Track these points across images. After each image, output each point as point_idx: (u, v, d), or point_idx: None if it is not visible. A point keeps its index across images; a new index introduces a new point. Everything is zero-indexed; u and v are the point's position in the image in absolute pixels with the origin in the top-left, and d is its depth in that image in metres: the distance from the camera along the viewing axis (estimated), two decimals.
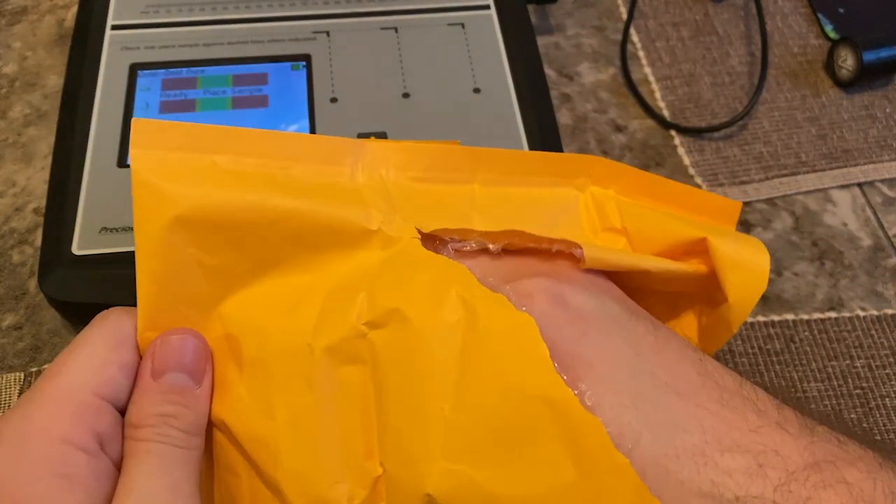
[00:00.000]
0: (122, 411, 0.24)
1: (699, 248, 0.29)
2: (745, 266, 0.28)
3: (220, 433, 0.26)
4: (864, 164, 0.43)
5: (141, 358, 0.25)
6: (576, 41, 0.47)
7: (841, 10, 0.49)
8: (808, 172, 0.42)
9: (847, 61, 0.45)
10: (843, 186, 0.42)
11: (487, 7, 0.42)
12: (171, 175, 0.25)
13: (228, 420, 0.25)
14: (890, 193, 0.42)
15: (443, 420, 0.24)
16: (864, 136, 0.44)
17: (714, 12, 0.49)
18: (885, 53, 0.44)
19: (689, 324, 0.31)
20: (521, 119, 0.37)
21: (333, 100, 0.38)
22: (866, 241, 0.40)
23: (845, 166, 0.42)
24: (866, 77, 0.45)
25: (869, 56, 0.44)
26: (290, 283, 0.27)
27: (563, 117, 0.43)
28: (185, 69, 0.38)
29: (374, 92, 0.38)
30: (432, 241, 0.28)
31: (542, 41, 0.46)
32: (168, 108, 0.37)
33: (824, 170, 0.42)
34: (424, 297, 0.25)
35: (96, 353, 0.24)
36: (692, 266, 0.29)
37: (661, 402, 0.23)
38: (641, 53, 0.47)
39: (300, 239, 0.27)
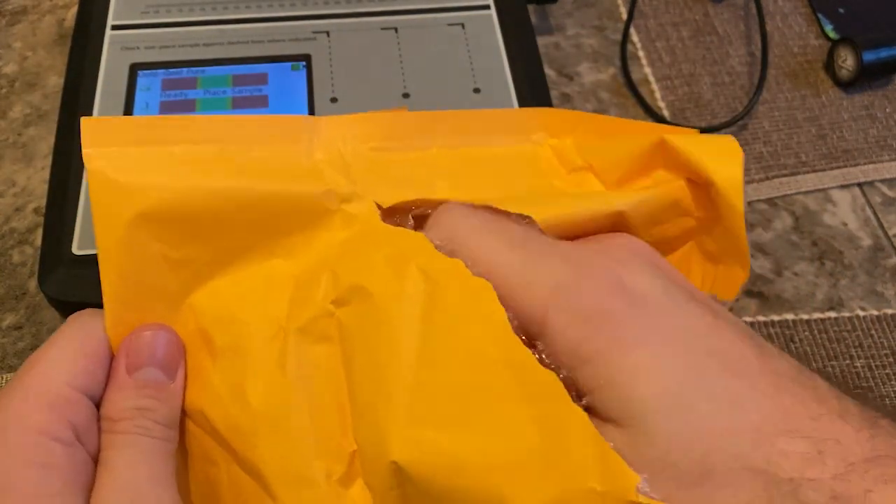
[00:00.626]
0: (98, 404, 0.24)
1: (664, 158, 0.28)
2: (713, 143, 0.28)
3: (196, 424, 0.26)
4: (864, 164, 0.43)
5: (114, 354, 0.25)
6: (576, 41, 0.47)
7: (841, 10, 0.49)
8: (808, 172, 0.42)
9: (847, 61, 0.45)
10: (843, 186, 0.42)
11: (487, 7, 0.42)
12: (128, 171, 0.25)
13: (205, 409, 0.25)
14: (890, 193, 0.42)
15: (407, 389, 0.24)
16: (864, 136, 0.44)
17: (714, 12, 0.49)
18: (885, 53, 0.44)
19: (696, 265, 0.30)
20: None
21: (333, 100, 0.38)
22: (866, 241, 0.40)
23: (845, 166, 0.42)
24: (866, 77, 0.45)
25: (869, 56, 0.44)
26: (256, 270, 0.27)
27: None
28: (185, 69, 0.38)
29: (374, 92, 0.38)
30: (393, 213, 0.28)
31: (542, 41, 0.46)
32: (168, 108, 0.37)
33: (824, 170, 0.42)
34: (384, 271, 0.26)
35: (71, 347, 0.24)
36: (664, 184, 0.28)
37: (718, 380, 0.22)
38: (641, 53, 0.47)
39: (263, 225, 0.27)
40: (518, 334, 0.24)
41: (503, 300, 0.24)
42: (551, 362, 0.23)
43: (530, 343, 0.24)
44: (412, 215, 0.28)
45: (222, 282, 0.27)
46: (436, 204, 0.28)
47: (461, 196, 0.28)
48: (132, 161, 0.26)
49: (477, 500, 0.23)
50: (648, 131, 0.30)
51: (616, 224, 0.28)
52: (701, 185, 0.28)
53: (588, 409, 0.23)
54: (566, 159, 0.30)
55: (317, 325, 0.26)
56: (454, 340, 0.24)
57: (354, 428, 0.25)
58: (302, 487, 0.25)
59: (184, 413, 0.26)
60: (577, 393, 0.23)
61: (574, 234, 0.27)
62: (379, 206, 0.28)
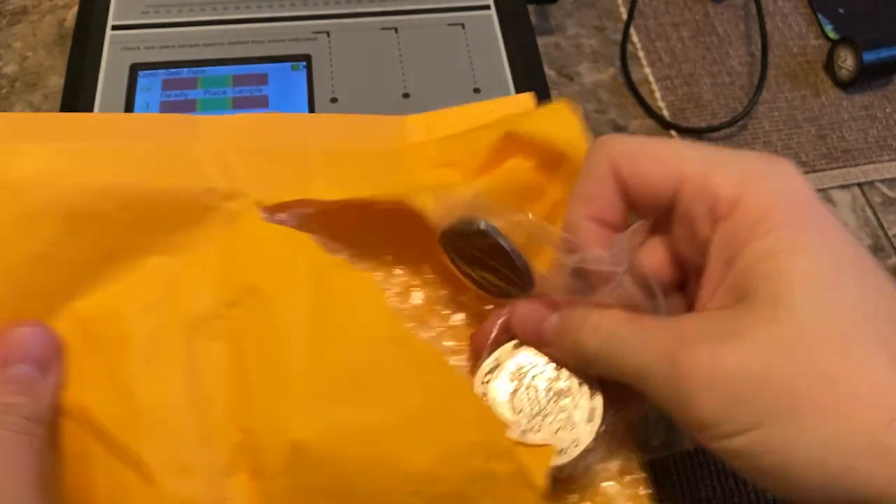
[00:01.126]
0: None
1: (515, 146, 0.31)
2: (551, 118, 0.31)
3: (74, 421, 0.26)
4: (864, 164, 0.43)
5: None
6: (576, 41, 0.47)
7: (841, 11, 0.49)
8: (807, 172, 0.42)
9: (847, 61, 0.45)
10: (842, 186, 0.42)
11: (487, 7, 0.42)
12: (10, 168, 0.26)
13: (86, 403, 0.26)
14: (890, 193, 0.42)
15: (301, 375, 0.26)
16: (863, 136, 0.44)
17: (714, 12, 0.49)
18: (884, 53, 0.44)
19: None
20: None
21: (334, 100, 0.38)
22: (866, 241, 0.40)
23: (845, 166, 0.42)
24: (866, 77, 0.45)
25: (869, 56, 0.44)
26: (138, 267, 0.28)
27: None
28: (185, 69, 0.38)
29: (374, 92, 0.38)
30: (274, 211, 0.30)
31: (542, 41, 0.46)
32: (168, 109, 0.37)
33: (824, 170, 0.42)
34: (274, 270, 0.28)
35: None
36: (514, 171, 0.31)
37: (872, 277, 0.24)
38: (641, 54, 0.47)
39: (143, 223, 0.28)
40: (705, 222, 0.25)
41: (696, 187, 0.25)
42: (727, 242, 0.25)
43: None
44: (294, 214, 0.30)
45: (105, 280, 0.27)
46: (316, 204, 0.30)
47: (337, 193, 0.30)
48: (13, 158, 0.26)
49: (372, 465, 0.25)
50: (494, 116, 0.33)
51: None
52: (552, 166, 0.31)
53: (738, 288, 0.24)
54: (430, 157, 0.33)
55: (208, 324, 0.27)
56: (342, 326, 0.27)
57: (248, 419, 0.26)
58: (184, 476, 0.26)
59: (60, 411, 0.26)
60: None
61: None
62: (260, 205, 0.29)
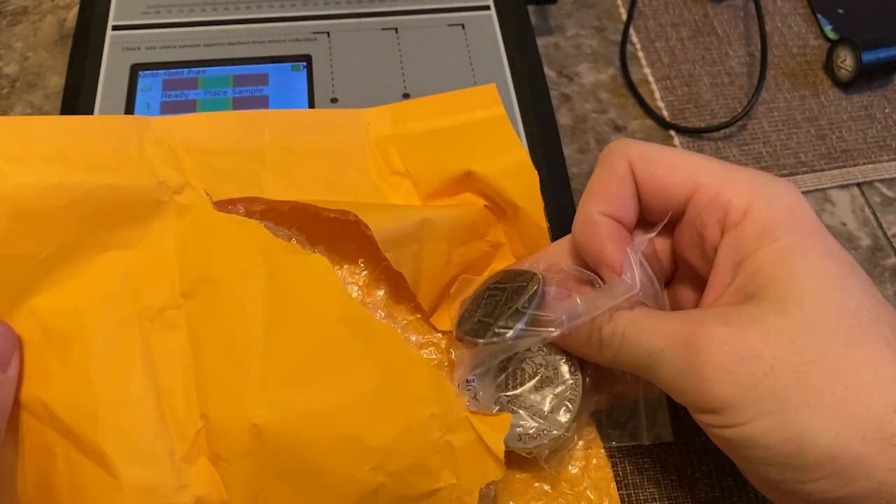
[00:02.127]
0: None
1: (471, 183, 0.32)
2: (513, 169, 0.32)
3: (34, 416, 0.27)
4: (863, 164, 0.43)
5: None
6: (575, 42, 0.47)
7: (840, 11, 0.49)
8: (807, 172, 0.42)
9: (846, 62, 0.45)
10: (842, 186, 0.42)
11: (487, 7, 0.42)
12: None
13: (46, 398, 0.26)
14: (889, 193, 0.42)
15: (258, 359, 0.27)
16: (863, 136, 0.44)
17: (713, 13, 0.49)
18: (884, 54, 0.44)
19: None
20: (521, 119, 0.38)
21: (334, 100, 0.38)
22: (865, 241, 0.40)
23: (844, 166, 0.43)
24: (865, 77, 0.45)
25: (868, 56, 0.44)
26: (94, 262, 0.28)
27: (563, 117, 0.43)
28: (185, 70, 0.39)
29: (375, 92, 0.38)
30: (224, 206, 0.30)
31: (541, 42, 0.46)
32: (169, 109, 0.37)
33: (823, 170, 0.42)
34: (228, 258, 0.28)
35: None
36: (465, 206, 0.33)
37: (863, 283, 0.26)
38: (641, 54, 0.47)
39: (96, 218, 0.28)
40: (715, 229, 0.27)
41: (710, 196, 0.27)
42: (737, 249, 0.27)
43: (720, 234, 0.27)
44: (242, 208, 0.31)
45: (60, 276, 0.28)
46: (265, 202, 0.30)
47: (287, 192, 0.31)
48: None
49: (332, 444, 0.26)
50: (460, 107, 0.34)
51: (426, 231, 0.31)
52: (500, 211, 0.33)
53: (745, 290, 0.26)
54: (388, 158, 0.33)
55: (164, 315, 0.28)
56: (296, 309, 0.27)
57: (206, 405, 0.27)
58: (144, 465, 0.26)
59: (20, 406, 0.26)
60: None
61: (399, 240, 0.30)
62: (210, 199, 0.30)
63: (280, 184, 0.31)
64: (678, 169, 0.28)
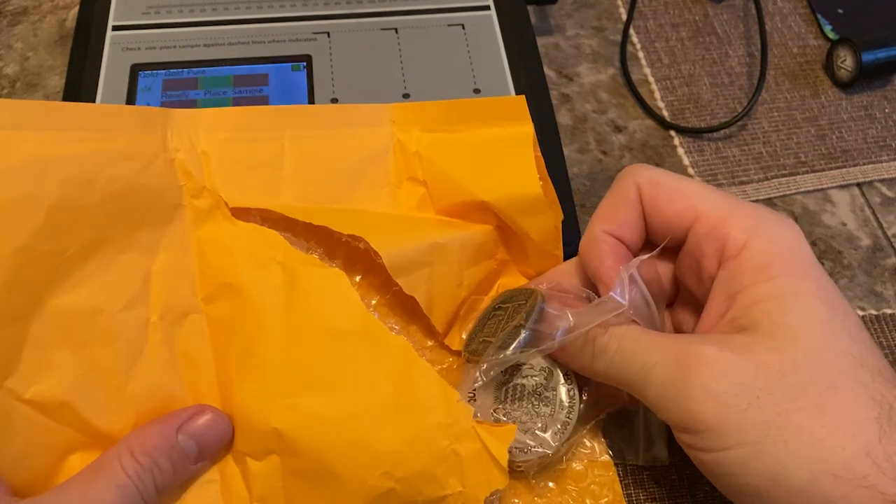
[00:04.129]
0: None
1: (487, 208, 0.32)
2: (531, 207, 0.32)
3: (48, 416, 0.27)
4: (863, 164, 0.43)
5: None
6: (575, 42, 0.47)
7: (840, 11, 0.49)
8: (807, 172, 0.42)
9: (846, 62, 0.45)
10: (842, 186, 0.42)
11: (487, 8, 0.42)
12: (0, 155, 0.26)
13: (66, 398, 0.27)
14: (889, 193, 0.42)
15: (278, 366, 0.28)
16: (863, 136, 0.44)
17: (713, 13, 0.49)
18: (883, 54, 0.44)
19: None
20: None
21: (334, 100, 0.38)
22: (865, 241, 0.40)
23: (844, 166, 0.43)
24: (865, 77, 0.45)
25: (868, 56, 0.44)
26: (115, 263, 0.28)
27: (563, 117, 0.43)
28: (185, 70, 0.39)
29: (375, 92, 0.38)
30: (240, 211, 0.31)
31: (541, 42, 0.46)
32: None
33: (823, 170, 0.42)
34: (248, 266, 0.29)
35: None
36: (476, 227, 0.32)
37: (855, 328, 0.26)
38: (641, 54, 0.47)
39: (122, 217, 0.28)
40: (713, 259, 0.28)
41: (710, 227, 0.28)
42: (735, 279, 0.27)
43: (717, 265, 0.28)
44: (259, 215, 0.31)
45: (82, 276, 0.28)
46: (277, 216, 0.31)
47: (304, 198, 0.31)
48: (1, 145, 0.26)
49: (345, 449, 0.27)
50: (487, 116, 0.33)
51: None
52: (510, 231, 0.33)
53: (739, 322, 0.26)
54: (409, 162, 0.33)
55: (188, 319, 0.29)
56: (315, 320, 0.29)
57: (233, 406, 0.28)
58: None
59: (41, 408, 0.27)
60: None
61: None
62: (228, 206, 0.30)
63: (298, 188, 0.32)
64: (681, 197, 0.29)
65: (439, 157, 0.33)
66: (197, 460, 0.28)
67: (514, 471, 0.30)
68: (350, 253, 0.32)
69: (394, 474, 0.27)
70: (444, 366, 0.33)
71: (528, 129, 0.33)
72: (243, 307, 0.29)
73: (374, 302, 0.33)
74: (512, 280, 0.34)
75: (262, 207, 0.31)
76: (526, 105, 0.33)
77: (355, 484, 0.27)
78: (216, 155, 0.31)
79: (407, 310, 0.33)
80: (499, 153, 0.33)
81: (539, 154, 0.33)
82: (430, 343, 0.33)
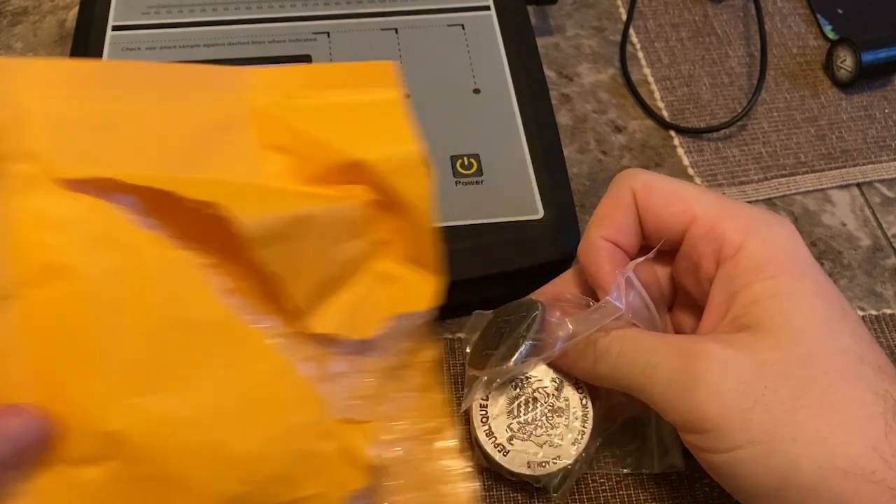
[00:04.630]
0: None
1: (360, 173, 0.29)
2: (402, 164, 0.29)
3: None
4: (863, 164, 0.43)
5: None
6: (575, 42, 0.47)
7: (840, 11, 0.49)
8: (806, 173, 0.42)
9: (846, 62, 0.45)
10: (841, 186, 0.42)
11: (487, 8, 0.42)
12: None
13: None
14: (889, 193, 0.42)
15: (117, 361, 0.25)
16: (862, 136, 0.44)
17: (713, 13, 0.49)
18: (883, 54, 0.44)
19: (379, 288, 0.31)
20: (520, 119, 0.38)
21: None
22: (865, 242, 0.40)
23: (844, 166, 0.43)
24: (865, 78, 0.45)
25: (868, 57, 0.44)
26: None
27: (563, 118, 0.43)
28: None
29: None
30: (74, 184, 0.26)
31: (541, 42, 0.46)
32: None
33: (823, 170, 0.42)
34: (81, 246, 0.25)
35: None
36: (348, 199, 0.29)
37: (855, 325, 0.27)
38: (641, 54, 0.47)
39: None
40: (710, 260, 0.27)
41: (706, 228, 0.28)
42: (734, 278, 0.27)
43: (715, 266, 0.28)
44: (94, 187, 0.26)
45: None
46: (120, 185, 0.26)
47: (146, 165, 0.27)
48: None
49: (196, 452, 0.25)
50: (354, 81, 0.31)
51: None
52: (386, 206, 0.30)
53: (738, 321, 0.26)
54: (270, 131, 0.30)
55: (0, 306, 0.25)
56: (161, 308, 0.25)
57: (61, 406, 0.24)
58: None
59: None
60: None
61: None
62: (59, 173, 0.26)
63: (142, 154, 0.27)
64: (676, 200, 0.29)
65: (307, 122, 0.30)
66: (7, 468, 0.24)
67: (536, 489, 0.30)
68: (204, 232, 0.28)
69: (250, 478, 0.25)
70: (307, 355, 0.29)
71: (397, 93, 0.31)
72: (75, 293, 0.25)
73: (230, 287, 0.28)
74: (387, 265, 0.31)
75: (99, 176, 0.26)
76: (395, 71, 0.31)
77: (206, 489, 0.25)
78: (44, 112, 0.26)
79: (268, 295, 0.28)
80: (369, 115, 0.31)
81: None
82: (290, 330, 0.29)
